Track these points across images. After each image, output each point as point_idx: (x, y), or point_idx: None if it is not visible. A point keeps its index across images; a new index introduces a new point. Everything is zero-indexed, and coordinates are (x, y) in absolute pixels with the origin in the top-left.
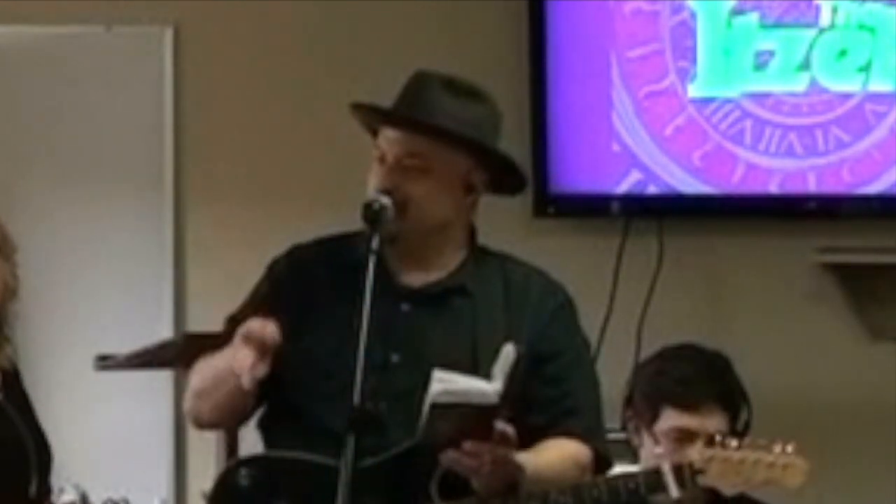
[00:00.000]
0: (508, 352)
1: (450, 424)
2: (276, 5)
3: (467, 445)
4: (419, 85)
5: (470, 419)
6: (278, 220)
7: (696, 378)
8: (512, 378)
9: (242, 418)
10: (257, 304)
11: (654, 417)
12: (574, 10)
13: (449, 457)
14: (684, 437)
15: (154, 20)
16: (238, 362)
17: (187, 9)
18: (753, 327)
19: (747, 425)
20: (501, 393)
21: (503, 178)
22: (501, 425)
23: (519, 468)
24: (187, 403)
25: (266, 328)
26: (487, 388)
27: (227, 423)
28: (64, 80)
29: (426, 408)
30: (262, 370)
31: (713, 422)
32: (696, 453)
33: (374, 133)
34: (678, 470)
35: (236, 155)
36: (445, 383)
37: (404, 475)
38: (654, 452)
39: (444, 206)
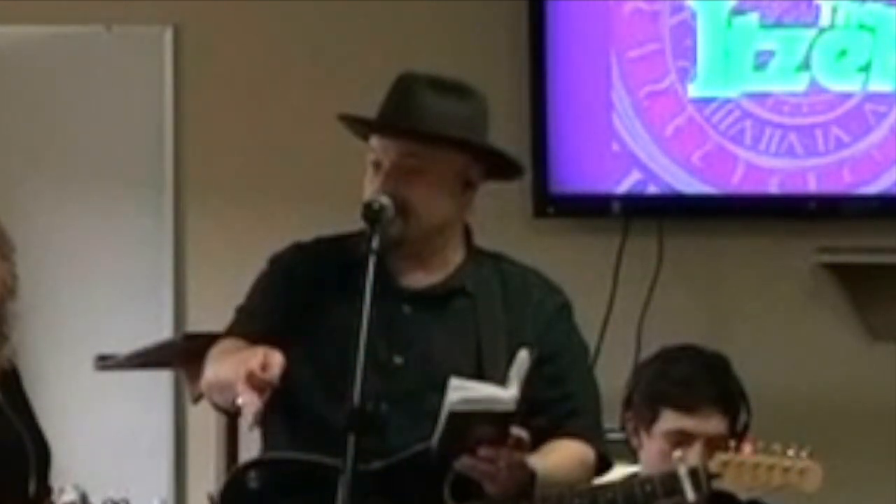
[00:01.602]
0: (523, 357)
1: (467, 432)
2: (276, 5)
3: (483, 451)
4: (405, 87)
5: (487, 426)
6: (278, 220)
7: (696, 380)
8: (525, 383)
9: None
10: (268, 293)
11: (654, 419)
12: (574, 10)
13: (464, 462)
14: (683, 439)
15: (154, 20)
16: (239, 402)
17: (187, 9)
18: (753, 327)
19: (746, 427)
20: (517, 398)
21: (499, 169)
22: (517, 430)
23: (532, 472)
24: (203, 385)
25: (269, 370)
26: (504, 394)
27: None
28: (64, 80)
29: (444, 416)
30: (261, 406)
31: (712, 424)
32: (694, 455)
33: (366, 138)
34: (694, 474)
35: (236, 155)
36: (463, 391)
37: (413, 478)
38: (675, 455)
39: (445, 205)
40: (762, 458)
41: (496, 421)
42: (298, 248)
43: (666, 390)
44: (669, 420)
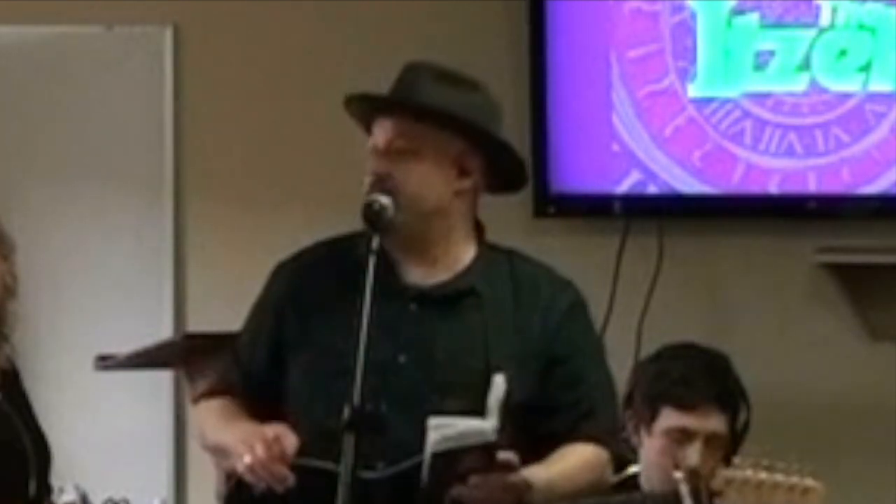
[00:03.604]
0: (499, 383)
1: (452, 468)
2: (276, 5)
3: (473, 479)
4: (410, 74)
5: (471, 459)
6: (278, 220)
7: (696, 378)
8: (505, 408)
9: None
10: (262, 321)
11: (654, 417)
12: (574, 10)
13: (456, 492)
14: (683, 437)
15: (154, 20)
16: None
17: (187, 9)
18: (753, 327)
19: (746, 425)
20: (497, 427)
21: (500, 163)
22: (503, 454)
23: (528, 487)
24: (204, 447)
25: (283, 441)
26: (484, 426)
27: None
28: (64, 80)
29: (426, 457)
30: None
31: (712, 422)
32: (694, 453)
33: (369, 128)
34: (696, 492)
35: (236, 155)
36: (442, 430)
37: (413, 488)
38: (673, 476)
39: (437, 189)
40: (765, 476)
41: (479, 453)
42: (301, 256)
43: (666, 388)
44: (669, 418)
